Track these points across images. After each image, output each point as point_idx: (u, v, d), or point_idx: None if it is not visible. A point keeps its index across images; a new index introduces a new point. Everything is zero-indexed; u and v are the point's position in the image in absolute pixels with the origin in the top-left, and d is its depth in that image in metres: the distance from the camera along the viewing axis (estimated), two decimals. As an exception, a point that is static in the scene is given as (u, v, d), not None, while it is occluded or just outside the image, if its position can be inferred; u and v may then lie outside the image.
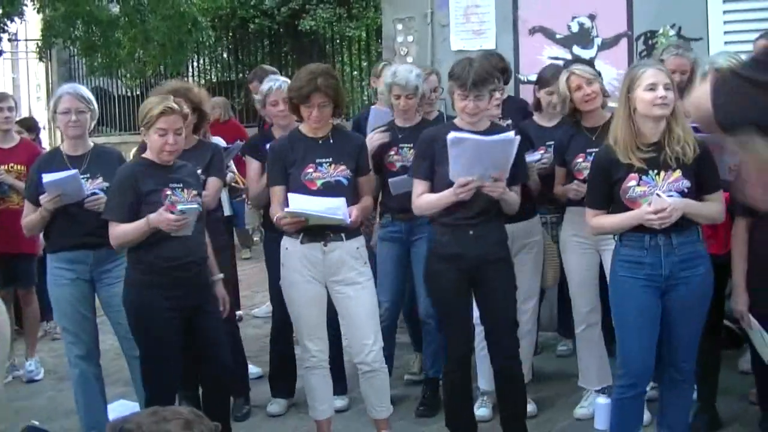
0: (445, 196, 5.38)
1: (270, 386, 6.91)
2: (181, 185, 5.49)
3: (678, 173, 4.98)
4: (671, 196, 4.92)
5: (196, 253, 5.51)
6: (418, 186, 5.57)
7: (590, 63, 6.96)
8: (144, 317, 5.45)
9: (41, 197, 5.90)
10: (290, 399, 6.87)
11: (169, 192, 5.42)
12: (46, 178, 5.86)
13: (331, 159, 5.68)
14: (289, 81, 6.35)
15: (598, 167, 5.21)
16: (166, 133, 5.40)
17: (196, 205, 5.43)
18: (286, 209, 5.55)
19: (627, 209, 5.03)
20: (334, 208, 5.51)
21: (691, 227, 5.05)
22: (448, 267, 5.48)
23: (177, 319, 5.44)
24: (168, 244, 5.36)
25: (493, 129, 5.55)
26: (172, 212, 5.30)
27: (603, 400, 5.98)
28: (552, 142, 6.48)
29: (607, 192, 5.12)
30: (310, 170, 5.65)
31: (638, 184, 5.00)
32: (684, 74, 6.46)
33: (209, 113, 6.82)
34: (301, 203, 5.56)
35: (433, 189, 5.50)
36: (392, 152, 6.55)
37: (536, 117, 6.90)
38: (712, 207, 5.12)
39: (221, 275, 5.87)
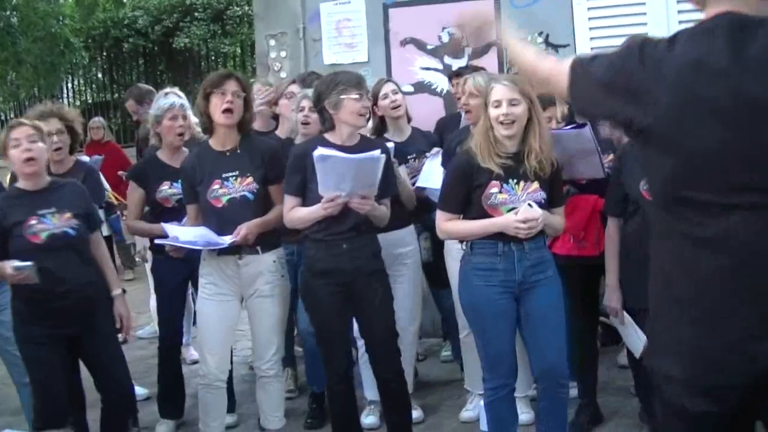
0: (315, 211, 5.39)
1: (158, 407, 6.84)
2: (54, 209, 5.42)
3: (536, 185, 5.11)
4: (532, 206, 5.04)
5: (73, 280, 5.41)
6: (289, 201, 5.56)
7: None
8: (28, 346, 5.42)
9: None
10: (178, 420, 6.82)
11: (34, 221, 5.35)
12: None
13: (237, 172, 5.65)
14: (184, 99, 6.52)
15: (459, 171, 5.24)
16: (19, 142, 5.35)
17: (30, 263, 5.24)
18: (158, 240, 5.60)
19: (484, 215, 5.11)
20: (197, 238, 5.54)
21: (540, 234, 5.16)
22: (323, 282, 5.49)
23: (60, 346, 5.40)
24: (40, 277, 5.28)
25: (362, 144, 5.56)
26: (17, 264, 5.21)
27: (488, 402, 6.08)
28: (411, 156, 6.60)
29: (463, 197, 5.17)
30: (216, 186, 5.62)
31: (500, 192, 5.08)
32: None
33: (80, 133, 6.75)
34: (173, 233, 5.62)
35: (305, 204, 5.51)
36: None
37: (387, 135, 6.80)
38: (560, 220, 5.33)
39: (118, 291, 5.76)
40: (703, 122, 2.73)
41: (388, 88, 6.71)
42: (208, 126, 5.73)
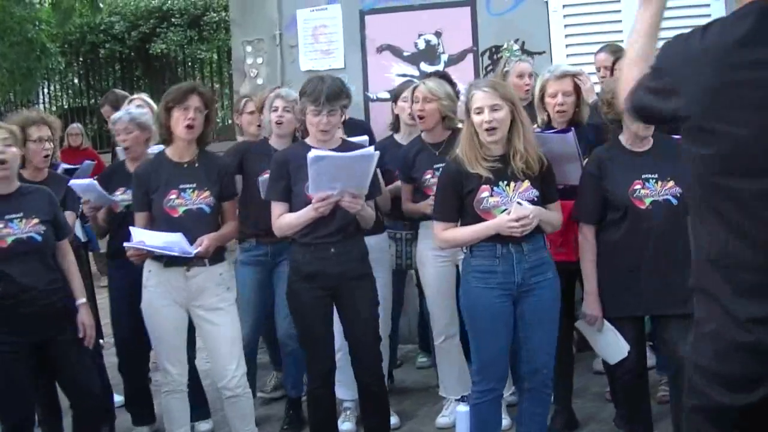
0: (305, 213, 5.39)
1: (130, 414, 6.79)
2: (21, 214, 5.36)
3: (526, 183, 5.14)
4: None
5: (38, 287, 5.35)
6: (276, 208, 5.56)
7: (446, 77, 6.78)
8: None
9: None
10: (152, 425, 6.78)
11: (0, 225, 5.30)
12: None
13: (195, 185, 5.64)
14: (133, 111, 6.50)
15: (449, 180, 5.27)
16: None
17: None
18: (125, 243, 5.56)
19: (479, 220, 5.14)
20: (172, 244, 5.50)
21: (538, 235, 5.21)
22: (310, 285, 5.50)
23: (26, 354, 5.34)
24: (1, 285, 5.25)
25: (345, 146, 5.59)
26: None
27: (463, 408, 6.04)
28: None
29: (457, 204, 5.21)
30: (173, 196, 5.60)
31: (491, 195, 5.11)
32: (530, 77, 6.91)
33: (57, 145, 6.73)
34: (140, 237, 5.58)
35: (291, 209, 5.51)
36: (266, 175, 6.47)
37: (397, 135, 6.91)
38: (556, 215, 5.36)
39: (83, 300, 5.64)
40: (737, 108, 2.75)
41: (410, 92, 6.68)
42: (167, 137, 5.72)
